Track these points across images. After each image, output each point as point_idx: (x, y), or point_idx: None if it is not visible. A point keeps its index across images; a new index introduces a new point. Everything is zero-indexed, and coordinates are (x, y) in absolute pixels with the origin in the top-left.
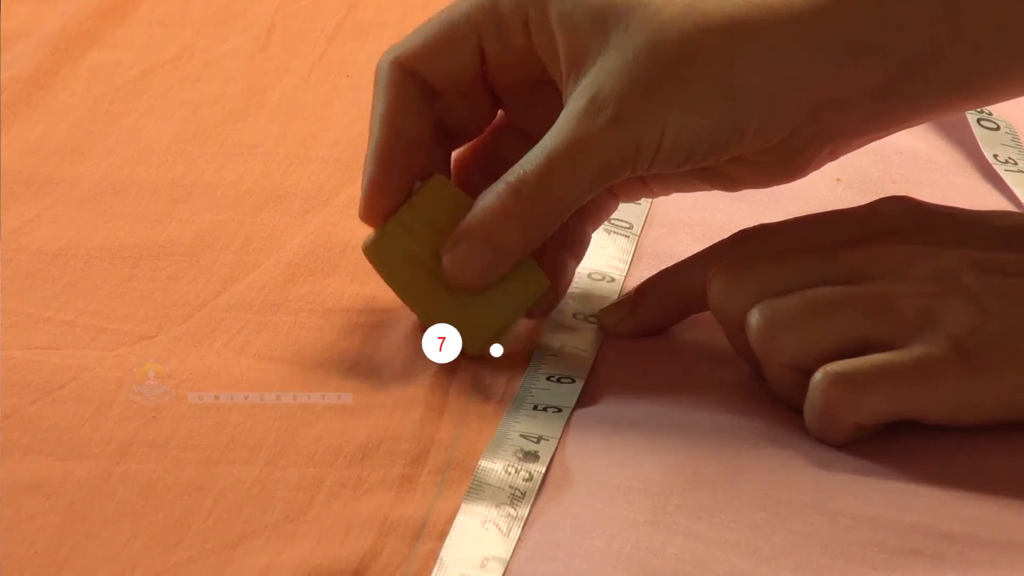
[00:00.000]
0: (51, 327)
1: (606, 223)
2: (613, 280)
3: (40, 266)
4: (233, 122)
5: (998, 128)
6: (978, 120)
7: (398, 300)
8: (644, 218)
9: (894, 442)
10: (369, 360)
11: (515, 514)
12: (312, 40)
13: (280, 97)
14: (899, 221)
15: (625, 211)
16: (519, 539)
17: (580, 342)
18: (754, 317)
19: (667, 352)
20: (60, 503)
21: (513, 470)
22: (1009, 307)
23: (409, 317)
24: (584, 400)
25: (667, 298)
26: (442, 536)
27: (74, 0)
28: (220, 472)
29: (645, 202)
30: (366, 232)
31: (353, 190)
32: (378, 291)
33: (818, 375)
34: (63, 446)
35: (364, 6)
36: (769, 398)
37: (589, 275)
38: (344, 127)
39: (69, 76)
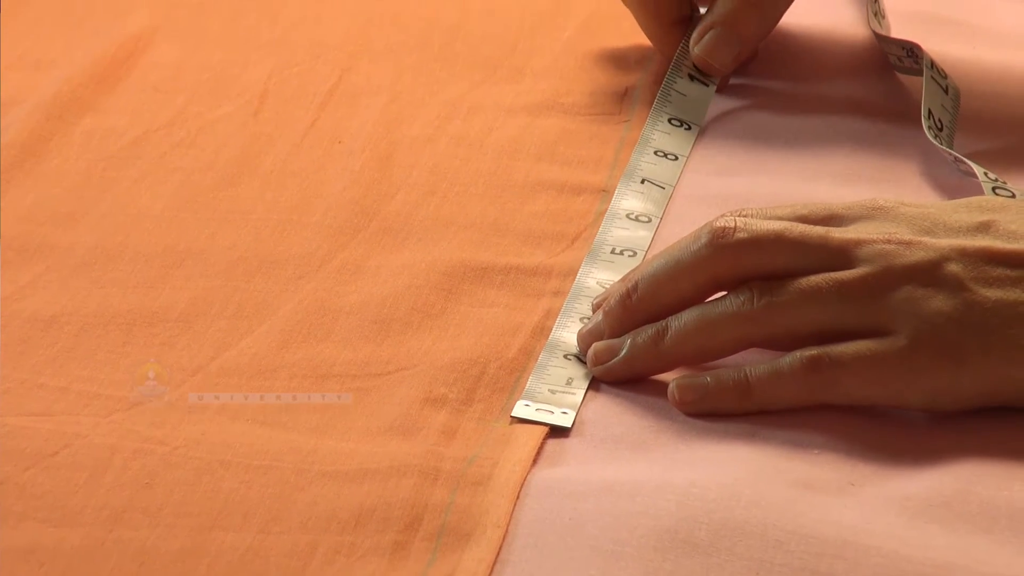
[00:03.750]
0: (45, 393)
1: None
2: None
3: (34, 332)
4: (226, 188)
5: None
6: (993, 189)
7: (392, 366)
8: None
9: (884, 504)
10: (363, 426)
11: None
12: (304, 106)
13: (273, 163)
14: (887, 212)
15: None
16: None
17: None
18: (744, 295)
19: (649, 405)
20: (54, 570)
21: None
22: (992, 297)
23: (403, 383)
24: (575, 460)
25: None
26: None
27: (67, 66)
28: (214, 539)
29: None
30: (358, 297)
31: (346, 255)
32: (371, 356)
33: (796, 355)
34: (57, 512)
35: (356, 72)
36: (755, 452)
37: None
38: (337, 193)
39: (63, 142)
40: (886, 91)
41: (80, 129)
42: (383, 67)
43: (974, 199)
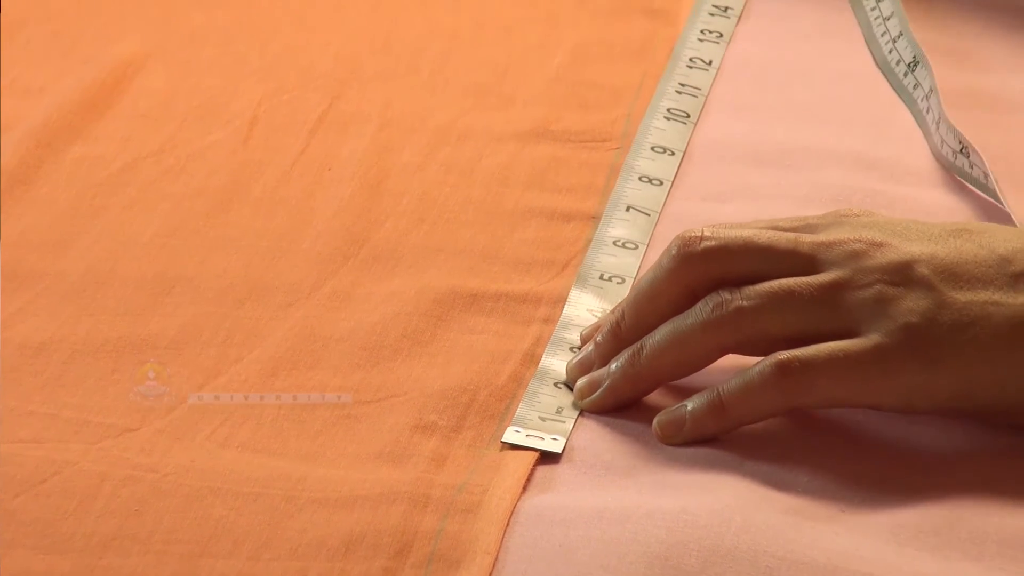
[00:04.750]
0: (34, 420)
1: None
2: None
3: (24, 360)
4: (216, 215)
5: None
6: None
7: (381, 394)
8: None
9: (874, 531)
10: (353, 453)
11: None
12: (295, 133)
13: (263, 190)
14: (859, 218)
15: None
16: None
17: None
18: (713, 301)
19: (638, 432)
20: None
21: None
22: (961, 299)
23: (393, 410)
24: (565, 487)
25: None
26: None
27: (58, 93)
28: (204, 566)
29: None
30: (348, 325)
31: (335, 283)
32: (361, 383)
33: (765, 362)
34: (47, 540)
35: (346, 99)
36: (746, 479)
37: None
38: (326, 220)
39: (52, 170)
40: (883, 117)
41: (70, 156)
42: (373, 94)
43: (955, 221)
